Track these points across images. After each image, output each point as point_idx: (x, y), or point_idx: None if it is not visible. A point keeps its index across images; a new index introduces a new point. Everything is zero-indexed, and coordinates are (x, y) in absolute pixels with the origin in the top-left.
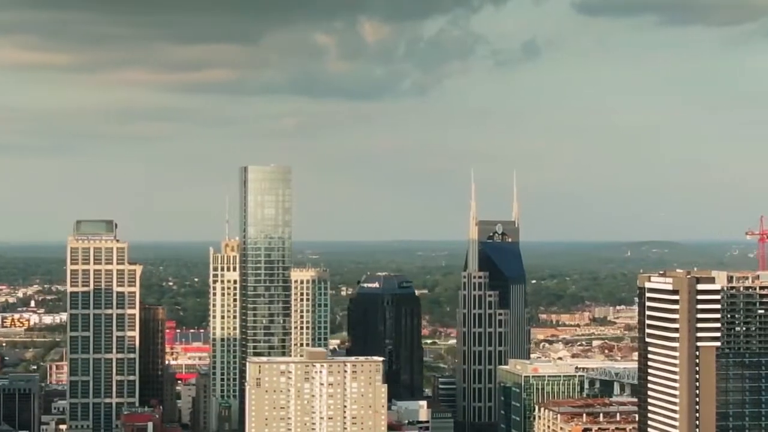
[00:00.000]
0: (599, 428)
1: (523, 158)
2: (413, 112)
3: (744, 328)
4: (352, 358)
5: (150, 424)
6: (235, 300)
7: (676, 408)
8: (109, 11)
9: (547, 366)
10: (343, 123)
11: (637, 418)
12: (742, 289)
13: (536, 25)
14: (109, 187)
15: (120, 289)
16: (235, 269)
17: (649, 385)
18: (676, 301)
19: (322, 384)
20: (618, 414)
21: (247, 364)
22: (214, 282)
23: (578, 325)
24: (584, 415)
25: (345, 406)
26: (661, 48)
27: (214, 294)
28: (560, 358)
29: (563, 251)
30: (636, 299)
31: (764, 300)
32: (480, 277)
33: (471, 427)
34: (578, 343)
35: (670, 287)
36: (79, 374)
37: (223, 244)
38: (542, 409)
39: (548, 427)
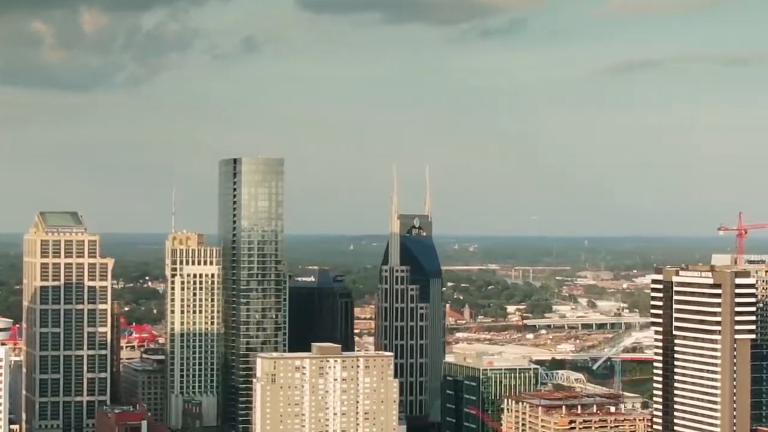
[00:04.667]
0: (583, 420)
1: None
2: (126, 104)
3: None
4: (363, 353)
5: (144, 423)
6: (194, 294)
7: (717, 399)
8: None
9: (500, 359)
10: (49, 114)
11: (613, 410)
12: None
13: (259, 21)
14: None
15: (91, 283)
16: (196, 263)
17: (678, 377)
18: (717, 295)
19: (335, 379)
20: (594, 406)
21: (258, 359)
22: (173, 276)
23: (372, 319)
24: (563, 407)
25: (357, 402)
26: (384, 45)
27: (173, 288)
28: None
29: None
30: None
31: None
32: (402, 271)
33: (418, 421)
34: None
35: (710, 281)
36: (49, 372)
37: (171, 237)
38: (512, 401)
39: (524, 419)
